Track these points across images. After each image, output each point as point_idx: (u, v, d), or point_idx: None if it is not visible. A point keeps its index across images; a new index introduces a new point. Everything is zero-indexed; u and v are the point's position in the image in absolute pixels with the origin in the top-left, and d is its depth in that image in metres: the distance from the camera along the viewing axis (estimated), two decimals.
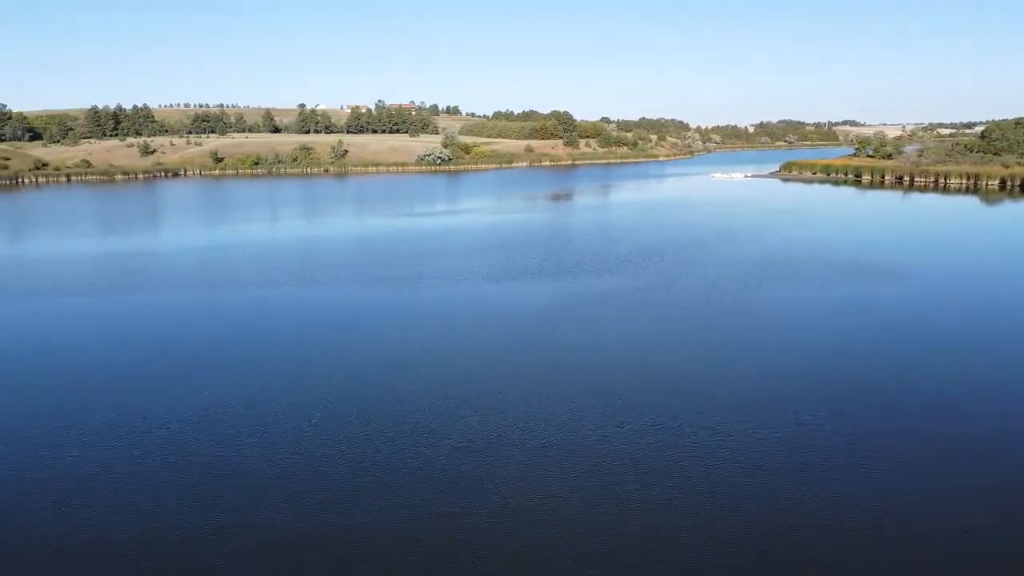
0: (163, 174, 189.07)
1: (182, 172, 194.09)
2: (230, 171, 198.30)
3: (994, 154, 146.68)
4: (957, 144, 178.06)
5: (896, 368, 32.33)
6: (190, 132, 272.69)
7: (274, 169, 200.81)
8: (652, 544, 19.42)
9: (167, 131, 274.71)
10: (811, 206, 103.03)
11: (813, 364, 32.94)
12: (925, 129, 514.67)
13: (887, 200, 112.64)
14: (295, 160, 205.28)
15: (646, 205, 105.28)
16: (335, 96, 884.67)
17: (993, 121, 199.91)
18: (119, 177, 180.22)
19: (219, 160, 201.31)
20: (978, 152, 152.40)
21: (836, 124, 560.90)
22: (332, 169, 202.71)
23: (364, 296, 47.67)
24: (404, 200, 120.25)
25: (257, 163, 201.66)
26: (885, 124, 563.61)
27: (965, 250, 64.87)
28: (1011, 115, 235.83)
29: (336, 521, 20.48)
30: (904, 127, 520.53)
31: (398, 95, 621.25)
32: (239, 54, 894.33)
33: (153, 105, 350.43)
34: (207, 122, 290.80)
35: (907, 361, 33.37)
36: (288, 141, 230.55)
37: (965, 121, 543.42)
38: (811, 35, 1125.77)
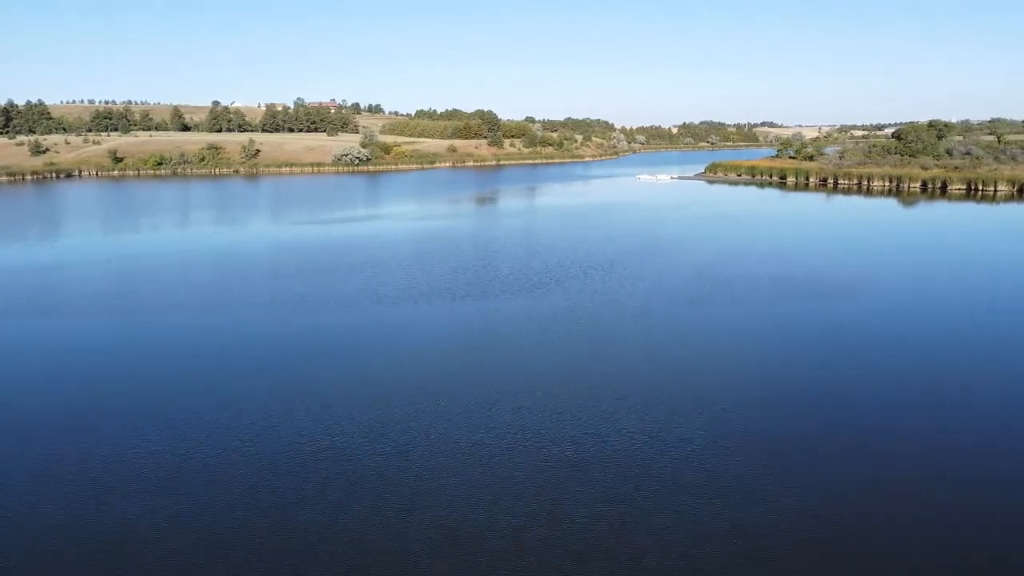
0: (54, 175, 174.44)
1: (76, 173, 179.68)
2: (131, 172, 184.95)
3: (911, 156, 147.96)
4: (874, 146, 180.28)
5: (839, 390, 27.54)
6: (89, 130, 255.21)
7: (179, 170, 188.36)
8: None
9: (65, 129, 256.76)
10: (740, 210, 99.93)
11: (751, 392, 27.80)
12: (839, 131, 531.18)
13: (815, 203, 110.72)
14: (202, 160, 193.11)
15: (572, 210, 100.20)
16: (252, 94, 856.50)
17: (908, 123, 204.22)
18: (3, 178, 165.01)
19: (118, 160, 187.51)
20: (895, 154, 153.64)
21: (755, 125, 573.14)
22: (243, 170, 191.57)
23: (269, 321, 40.44)
24: (316, 204, 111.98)
25: (160, 163, 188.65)
26: (801, 126, 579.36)
27: (908, 257, 61.68)
28: (916, 117, 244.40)
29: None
30: (820, 128, 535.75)
31: (319, 93, 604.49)
32: (148, 49, 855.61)
33: (53, 102, 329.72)
34: (109, 119, 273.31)
35: (852, 384, 28.65)
36: (197, 140, 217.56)
37: (875, 123, 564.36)
38: (730, 38, 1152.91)
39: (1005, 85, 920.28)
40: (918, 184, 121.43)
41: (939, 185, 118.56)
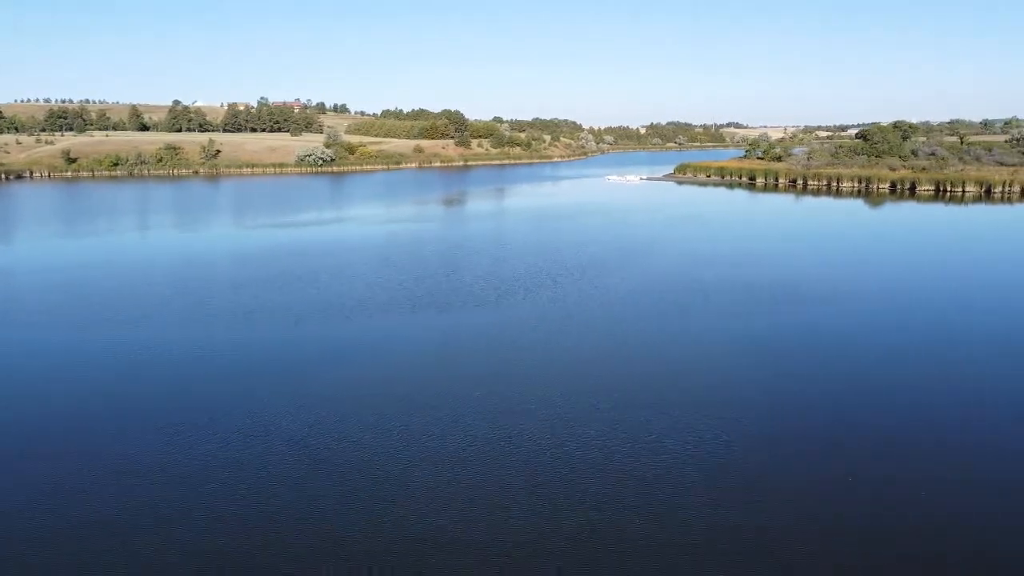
0: (4, 176, 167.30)
1: (28, 174, 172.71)
2: (85, 173, 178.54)
3: (876, 156, 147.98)
4: (840, 147, 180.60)
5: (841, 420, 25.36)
6: (43, 130, 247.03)
7: (136, 171, 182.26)
8: None
9: (17, 129, 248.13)
10: (713, 213, 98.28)
11: (738, 401, 25.43)
12: (804, 131, 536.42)
13: (787, 205, 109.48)
14: (160, 161, 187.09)
15: (541, 213, 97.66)
16: (216, 94, 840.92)
17: (872, 124, 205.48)
18: None
19: (72, 161, 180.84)
20: (862, 155, 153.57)
21: (722, 126, 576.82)
22: (203, 171, 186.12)
23: (224, 337, 37.12)
24: (274, 207, 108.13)
25: (116, 164, 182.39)
26: (766, 127, 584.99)
27: (887, 260, 59.99)
28: (879, 119, 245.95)
29: None
30: (786, 129, 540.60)
31: (284, 93, 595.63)
32: (110, 47, 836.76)
33: (7, 101, 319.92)
34: (64, 119, 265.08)
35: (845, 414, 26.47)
36: (155, 140, 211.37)
37: (838, 124, 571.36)
38: (697, 40, 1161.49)
39: (964, 87, 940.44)
40: (887, 185, 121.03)
41: (908, 186, 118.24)
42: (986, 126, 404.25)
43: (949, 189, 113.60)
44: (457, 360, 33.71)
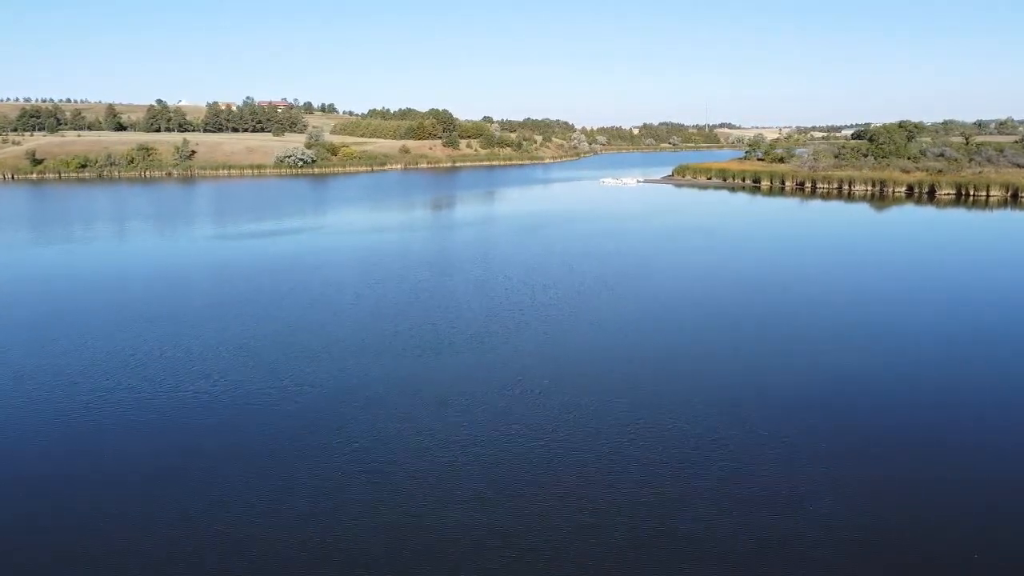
0: None
1: None
2: (51, 174, 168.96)
3: (882, 157, 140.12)
4: (844, 147, 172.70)
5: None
6: (14, 129, 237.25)
7: (105, 172, 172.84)
8: None
9: None
10: (724, 220, 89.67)
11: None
12: (798, 132, 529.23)
13: (802, 211, 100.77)
14: (131, 162, 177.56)
15: (532, 220, 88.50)
16: (202, 93, 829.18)
17: (869, 124, 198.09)
18: None
19: (38, 162, 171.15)
20: (868, 156, 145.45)
21: (714, 126, 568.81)
22: (176, 172, 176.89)
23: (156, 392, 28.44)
24: (241, 213, 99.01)
25: (84, 165, 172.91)
26: (758, 127, 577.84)
27: (939, 279, 51.71)
28: (872, 119, 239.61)
29: None
30: (780, 130, 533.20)
31: (271, 92, 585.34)
32: (97, 47, 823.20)
33: None
34: (36, 118, 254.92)
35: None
36: (128, 140, 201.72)
37: (830, 124, 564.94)
38: (686, 39, 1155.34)
39: (957, 88, 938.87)
40: (903, 188, 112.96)
41: (926, 190, 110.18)
42: (980, 126, 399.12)
43: (972, 193, 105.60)
44: (416, 425, 25.07)
